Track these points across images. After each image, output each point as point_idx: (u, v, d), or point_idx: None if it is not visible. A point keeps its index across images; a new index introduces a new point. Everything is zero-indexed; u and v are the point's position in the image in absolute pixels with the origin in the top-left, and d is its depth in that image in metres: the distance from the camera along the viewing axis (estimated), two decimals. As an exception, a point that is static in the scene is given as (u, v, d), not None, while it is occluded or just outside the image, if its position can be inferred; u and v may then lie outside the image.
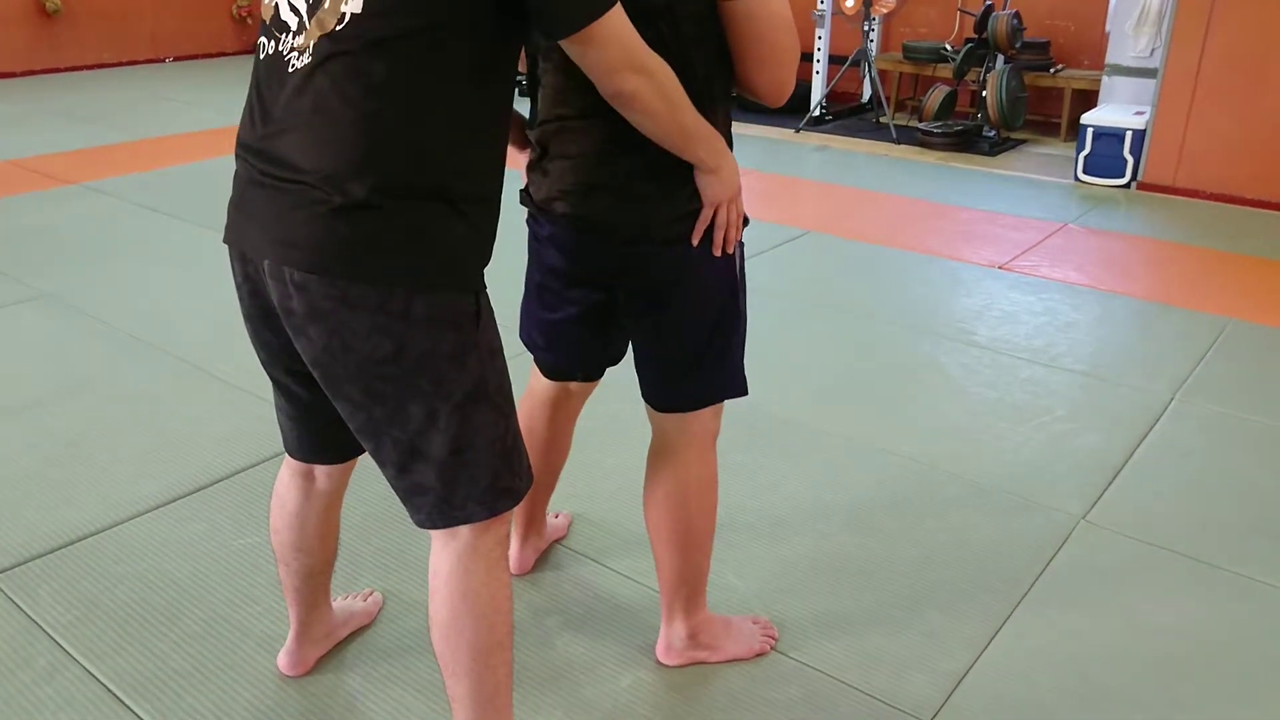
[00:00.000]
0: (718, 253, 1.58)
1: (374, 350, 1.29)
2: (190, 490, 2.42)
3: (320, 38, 1.27)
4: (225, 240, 1.41)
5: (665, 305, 1.62)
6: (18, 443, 2.63)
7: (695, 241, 1.55)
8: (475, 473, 1.37)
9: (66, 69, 8.42)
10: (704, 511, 1.76)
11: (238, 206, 1.38)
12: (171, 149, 5.80)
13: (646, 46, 1.34)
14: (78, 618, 1.98)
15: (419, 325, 1.29)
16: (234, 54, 9.47)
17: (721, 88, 1.55)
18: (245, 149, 1.36)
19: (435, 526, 1.40)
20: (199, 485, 2.44)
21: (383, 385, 1.32)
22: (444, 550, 1.42)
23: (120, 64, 8.74)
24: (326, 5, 1.29)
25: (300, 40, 1.31)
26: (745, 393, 1.73)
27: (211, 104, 7.16)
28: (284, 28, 1.34)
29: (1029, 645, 1.95)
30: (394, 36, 1.24)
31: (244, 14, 9.40)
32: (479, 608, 1.41)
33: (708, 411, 1.71)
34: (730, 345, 1.68)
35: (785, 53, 1.51)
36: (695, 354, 1.65)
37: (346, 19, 1.26)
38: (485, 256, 1.38)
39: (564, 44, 1.31)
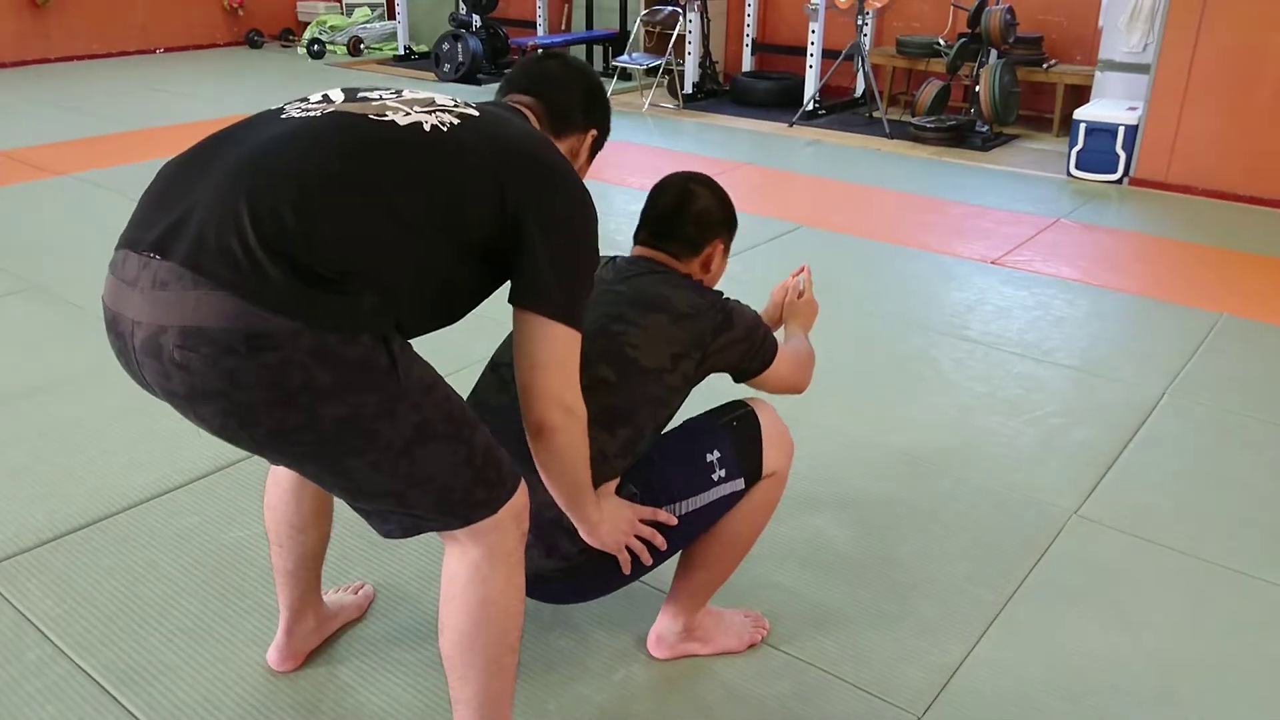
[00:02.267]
0: (648, 563, 1.63)
1: (279, 423, 1.18)
2: (181, 483, 2.41)
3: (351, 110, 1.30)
4: (102, 297, 1.26)
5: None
6: (6, 435, 2.61)
7: (627, 571, 1.61)
8: (440, 496, 1.30)
9: (57, 59, 8.38)
10: (755, 527, 1.78)
11: (122, 266, 1.23)
12: (161, 140, 5.77)
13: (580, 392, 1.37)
14: (67, 611, 1.97)
15: (326, 397, 1.17)
16: (225, 45, 9.43)
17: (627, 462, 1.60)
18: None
19: (406, 536, 1.36)
20: (190, 478, 2.43)
21: (308, 449, 1.22)
22: (462, 558, 1.37)
23: (111, 55, 8.70)
24: (375, 100, 1.33)
25: (316, 101, 1.33)
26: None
27: (202, 95, 7.13)
28: (305, 100, 1.35)
29: (1021, 639, 1.95)
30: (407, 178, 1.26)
31: (235, 5, 9.36)
32: (497, 615, 1.39)
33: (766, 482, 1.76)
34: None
35: (804, 383, 1.91)
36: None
37: (386, 117, 1.29)
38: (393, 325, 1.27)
39: (521, 326, 1.33)
